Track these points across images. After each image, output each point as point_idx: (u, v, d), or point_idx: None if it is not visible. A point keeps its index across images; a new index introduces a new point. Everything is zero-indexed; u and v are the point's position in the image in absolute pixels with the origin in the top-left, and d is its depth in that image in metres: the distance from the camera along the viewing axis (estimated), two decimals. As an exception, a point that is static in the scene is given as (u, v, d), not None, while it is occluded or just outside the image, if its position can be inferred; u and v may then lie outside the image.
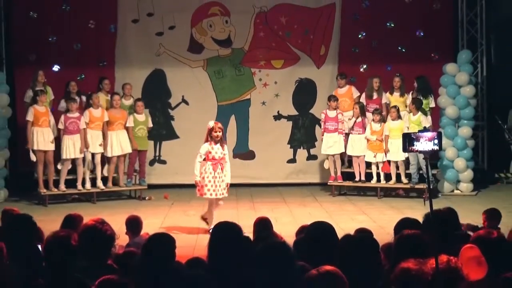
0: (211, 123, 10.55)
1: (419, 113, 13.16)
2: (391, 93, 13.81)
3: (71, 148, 12.94)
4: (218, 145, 10.38)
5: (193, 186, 14.23)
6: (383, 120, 13.46)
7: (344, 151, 13.74)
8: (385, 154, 13.34)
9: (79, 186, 13.13)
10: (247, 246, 4.86)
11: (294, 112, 15.06)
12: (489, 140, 14.93)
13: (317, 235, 4.94)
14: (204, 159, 10.40)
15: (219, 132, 10.37)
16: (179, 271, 4.52)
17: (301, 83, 15.03)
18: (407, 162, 13.35)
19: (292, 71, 14.98)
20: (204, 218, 10.55)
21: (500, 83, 14.86)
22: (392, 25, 14.78)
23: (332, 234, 4.98)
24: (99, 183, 13.27)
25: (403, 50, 14.78)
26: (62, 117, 12.98)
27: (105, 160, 13.43)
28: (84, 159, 13.18)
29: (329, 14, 14.91)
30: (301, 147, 15.10)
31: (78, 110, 13.15)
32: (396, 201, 13.14)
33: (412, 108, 13.20)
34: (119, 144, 13.30)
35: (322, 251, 4.68)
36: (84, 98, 13.54)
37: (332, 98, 13.72)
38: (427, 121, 13.17)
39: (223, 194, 10.44)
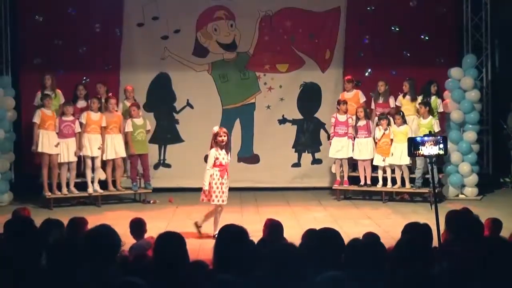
0: (216, 128, 10.52)
1: (430, 116, 13.17)
2: (404, 97, 13.82)
3: (65, 152, 12.96)
4: (224, 150, 10.34)
5: (197, 189, 14.28)
6: (390, 124, 13.45)
7: (352, 155, 13.72)
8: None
9: (74, 190, 13.13)
10: (253, 250, 4.86)
11: (299, 116, 15.04)
12: (494, 144, 14.90)
13: (324, 241, 4.92)
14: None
15: (224, 136, 10.31)
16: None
17: (306, 87, 15.02)
18: (410, 166, 13.34)
19: (297, 75, 14.97)
20: (198, 225, 10.49)
21: (505, 87, 14.83)
22: (397, 29, 14.78)
23: (339, 240, 4.97)
24: (97, 186, 13.28)
25: (408, 55, 14.76)
26: (57, 120, 12.98)
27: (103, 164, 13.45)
28: (84, 163, 13.18)
29: (334, 18, 14.90)
30: (306, 151, 15.09)
31: (73, 114, 13.17)
32: (401, 205, 13.13)
33: (423, 112, 13.19)
34: (113, 147, 13.30)
35: (329, 256, 4.66)
36: (88, 101, 13.56)
37: (341, 102, 13.71)
38: (438, 125, 13.18)
39: (224, 201, 10.41)
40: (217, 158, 10.31)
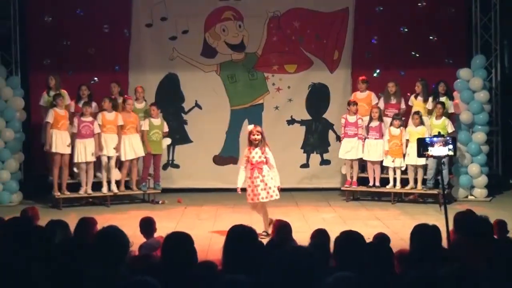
0: (250, 127, 10.60)
1: (443, 117, 13.14)
2: (416, 97, 13.79)
3: (82, 152, 12.99)
4: (257, 148, 10.35)
5: (206, 190, 14.39)
6: (402, 125, 13.42)
7: (362, 156, 13.70)
8: (403, 158, 13.33)
9: (89, 190, 13.18)
10: (261, 250, 4.86)
11: (307, 116, 15.03)
12: (503, 145, 14.85)
13: (348, 245, 4.91)
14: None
15: (257, 135, 10.34)
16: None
17: (314, 88, 15.00)
18: (425, 167, 13.30)
19: (305, 75, 14.95)
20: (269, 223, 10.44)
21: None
22: (406, 30, 14.74)
23: (362, 243, 4.96)
24: (113, 186, 13.31)
25: (417, 56, 14.72)
26: (76, 121, 13.03)
27: (118, 163, 13.48)
28: (100, 163, 13.24)
29: (342, 19, 14.88)
30: (314, 152, 15.07)
31: (92, 114, 13.22)
32: (410, 206, 13.10)
33: (441, 112, 13.13)
34: (132, 147, 13.34)
35: (354, 260, 4.65)
36: (94, 104, 13.57)
37: (351, 103, 13.68)
38: (451, 126, 13.13)
39: (266, 197, 10.42)
40: (247, 157, 10.35)
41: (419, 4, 14.68)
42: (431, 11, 14.71)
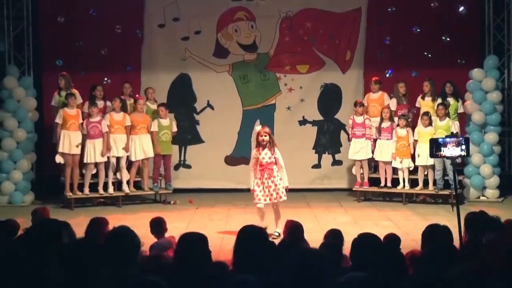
0: (257, 128, 10.59)
1: (447, 118, 13.09)
2: (423, 98, 13.75)
3: (92, 152, 13.02)
4: (266, 149, 10.34)
5: (217, 190, 14.41)
6: (409, 125, 13.39)
7: (371, 156, 13.68)
8: (412, 159, 13.29)
9: (100, 190, 13.23)
10: (272, 250, 4.86)
11: (319, 117, 15.02)
12: (515, 146, 14.79)
13: (365, 248, 4.89)
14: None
15: (265, 136, 10.31)
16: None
17: (326, 88, 14.99)
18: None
19: (317, 76, 14.94)
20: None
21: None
22: (418, 30, 14.69)
23: (380, 245, 4.95)
24: (125, 187, 13.34)
25: (429, 56, 14.68)
26: (84, 122, 13.06)
27: (127, 163, 13.51)
28: (108, 163, 13.27)
29: (354, 19, 14.86)
30: (326, 152, 15.05)
31: (100, 114, 13.24)
32: (422, 207, 13.07)
33: (443, 113, 13.09)
34: (142, 148, 13.36)
35: (371, 263, 4.64)
36: (109, 103, 13.62)
37: (357, 104, 13.67)
38: (455, 127, 13.08)
39: (276, 198, 10.41)
40: (256, 158, 10.33)
41: (432, 4, 14.63)
42: (444, 11, 14.67)
